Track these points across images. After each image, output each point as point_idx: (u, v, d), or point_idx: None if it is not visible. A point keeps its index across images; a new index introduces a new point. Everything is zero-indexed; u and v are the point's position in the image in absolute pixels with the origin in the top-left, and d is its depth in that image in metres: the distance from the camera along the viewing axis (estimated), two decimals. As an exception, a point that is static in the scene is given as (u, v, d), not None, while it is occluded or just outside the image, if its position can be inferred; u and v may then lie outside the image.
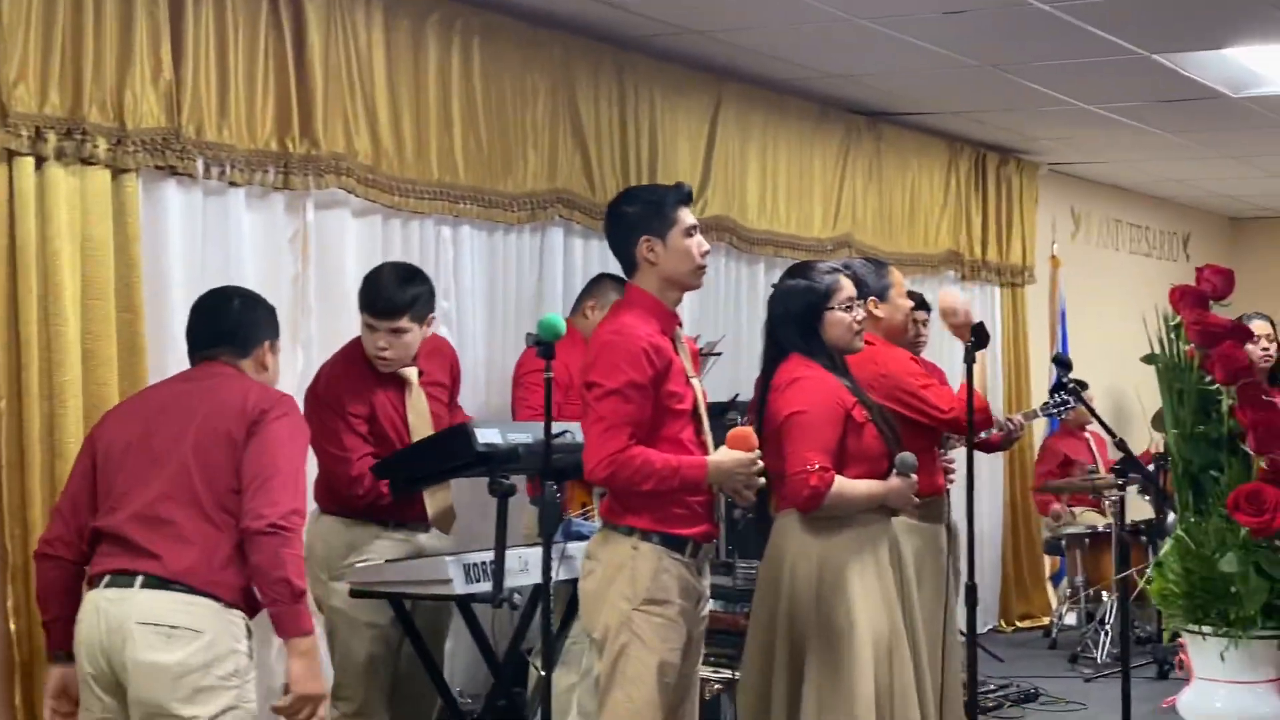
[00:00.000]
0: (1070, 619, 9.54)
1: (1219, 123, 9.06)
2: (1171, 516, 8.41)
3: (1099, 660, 8.60)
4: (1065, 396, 9.49)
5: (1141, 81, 7.96)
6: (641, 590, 4.12)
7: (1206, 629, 3.27)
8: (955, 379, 5.44)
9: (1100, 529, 9.13)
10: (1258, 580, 3.13)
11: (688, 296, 4.47)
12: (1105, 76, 7.88)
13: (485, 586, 4.69)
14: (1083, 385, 6.67)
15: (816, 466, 4.32)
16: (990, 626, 9.99)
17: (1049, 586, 10.56)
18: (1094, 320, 11.05)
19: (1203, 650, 3.32)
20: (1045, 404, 6.82)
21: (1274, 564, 3.13)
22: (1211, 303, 3.35)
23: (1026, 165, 10.38)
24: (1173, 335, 3.38)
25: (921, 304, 6.10)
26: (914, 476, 4.50)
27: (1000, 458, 9.69)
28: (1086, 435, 9.92)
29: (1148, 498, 7.96)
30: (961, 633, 5.30)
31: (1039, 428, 10.12)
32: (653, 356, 4.12)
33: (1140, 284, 12.01)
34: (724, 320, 7.64)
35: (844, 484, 4.39)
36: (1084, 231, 11.56)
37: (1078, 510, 9.53)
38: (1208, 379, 3.28)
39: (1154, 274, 12.19)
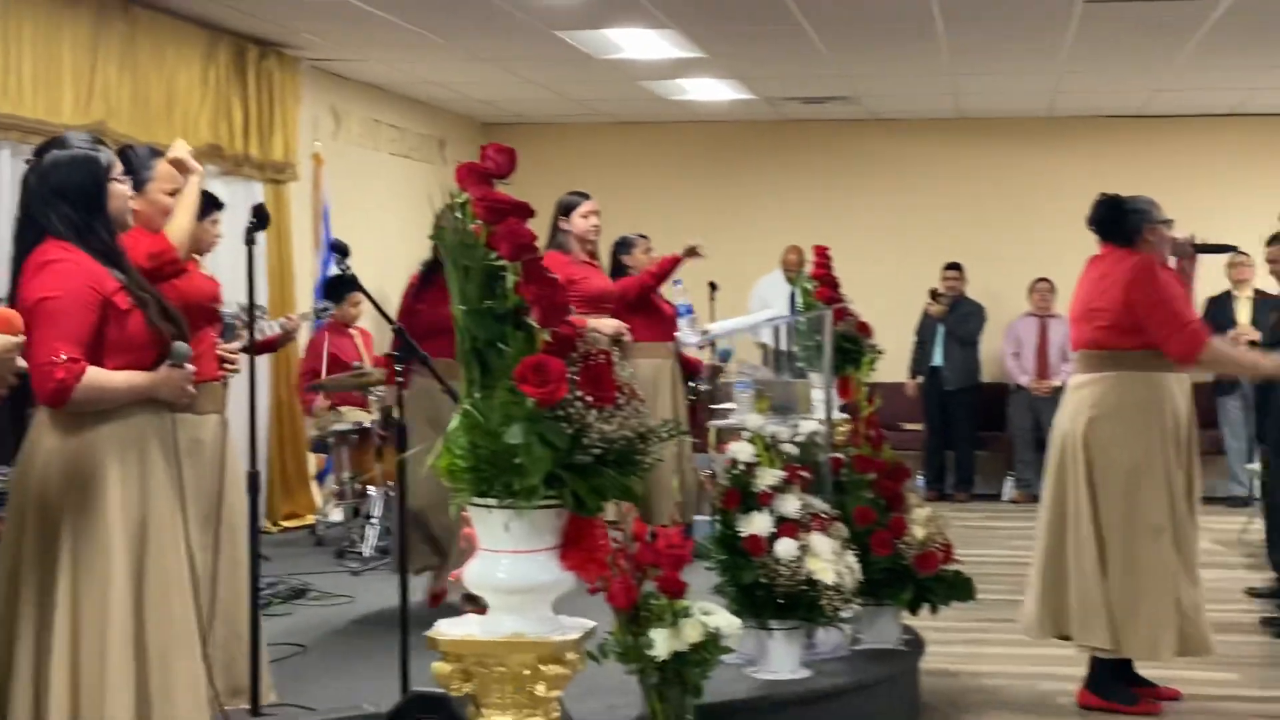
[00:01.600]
0: (336, 515, 9.59)
1: (472, 23, 9.28)
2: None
3: (365, 554, 8.70)
4: (327, 304, 9.51)
5: (402, -24, 8.00)
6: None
7: (491, 501, 3.32)
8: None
9: (366, 425, 9.22)
10: (541, 450, 3.19)
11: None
12: (368, -31, 7.86)
13: None
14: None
15: (64, 358, 4.01)
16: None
17: (314, 485, 10.59)
18: (357, 220, 11.12)
19: (487, 522, 3.37)
20: (317, 308, 6.74)
21: (557, 434, 3.20)
22: (496, 180, 3.37)
23: (288, 59, 10.24)
24: (459, 213, 3.36)
25: (214, 203, 5.86)
26: (189, 366, 4.28)
27: (266, 357, 9.57)
28: (353, 333, 9.97)
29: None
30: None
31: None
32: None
33: (401, 185, 12.21)
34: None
35: (99, 376, 4.08)
36: (345, 130, 11.57)
37: (344, 409, 9.57)
38: (493, 255, 3.30)
39: (414, 176, 12.42)
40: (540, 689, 3.46)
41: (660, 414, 8.24)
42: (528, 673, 3.43)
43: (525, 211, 3.32)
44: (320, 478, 10.53)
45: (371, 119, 12.03)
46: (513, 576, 3.40)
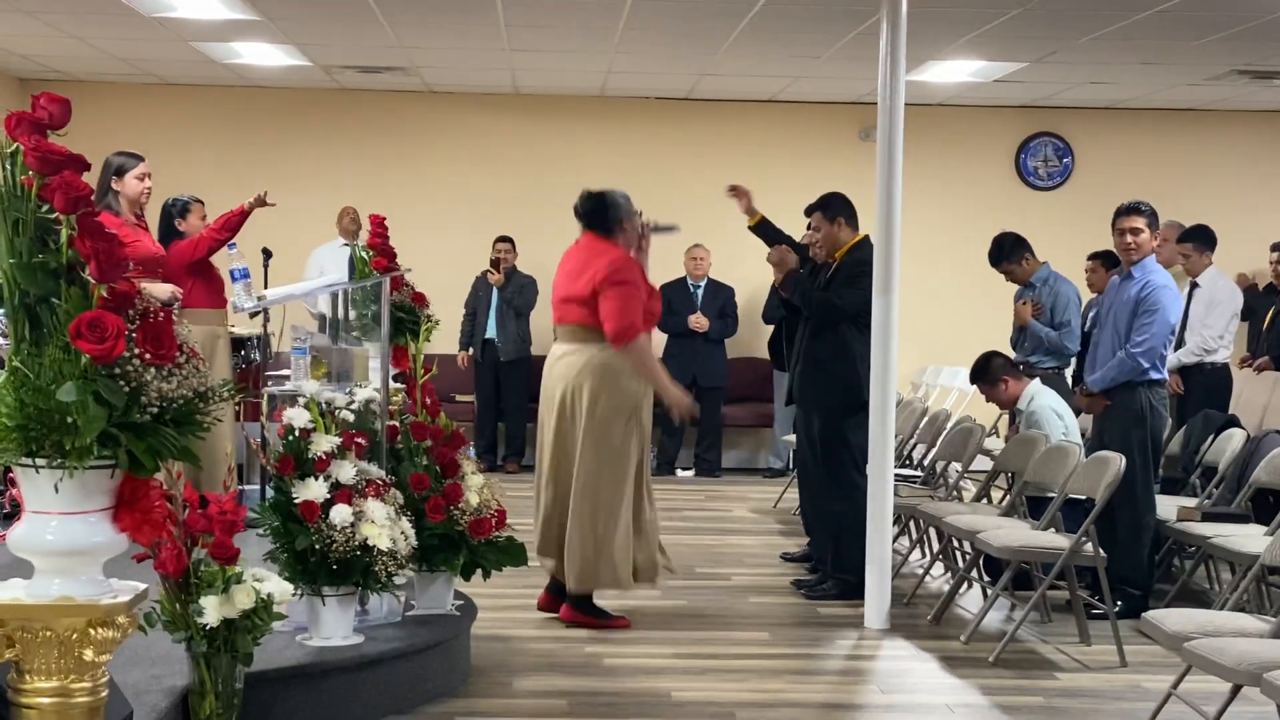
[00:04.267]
0: None
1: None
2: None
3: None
4: None
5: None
6: None
7: (41, 462, 3.22)
8: None
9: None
10: (97, 409, 3.12)
11: None
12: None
13: None
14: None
15: None
16: None
17: None
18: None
19: (35, 483, 3.28)
20: None
21: (113, 392, 3.13)
22: (50, 131, 3.27)
23: None
24: (9, 164, 3.24)
25: None
26: None
27: None
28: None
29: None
30: None
31: None
32: None
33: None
34: None
35: None
36: None
37: None
38: (46, 207, 3.20)
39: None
40: (89, 654, 3.39)
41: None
42: (75, 636, 3.36)
43: (80, 164, 3.23)
44: None
45: (-104, 68, 11.31)
46: (61, 538, 3.32)
